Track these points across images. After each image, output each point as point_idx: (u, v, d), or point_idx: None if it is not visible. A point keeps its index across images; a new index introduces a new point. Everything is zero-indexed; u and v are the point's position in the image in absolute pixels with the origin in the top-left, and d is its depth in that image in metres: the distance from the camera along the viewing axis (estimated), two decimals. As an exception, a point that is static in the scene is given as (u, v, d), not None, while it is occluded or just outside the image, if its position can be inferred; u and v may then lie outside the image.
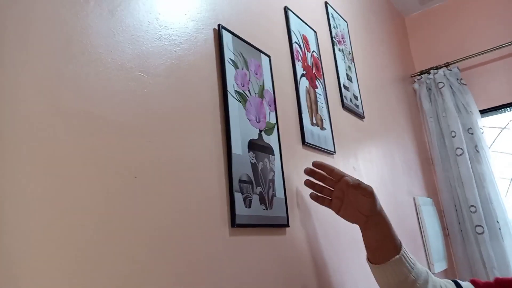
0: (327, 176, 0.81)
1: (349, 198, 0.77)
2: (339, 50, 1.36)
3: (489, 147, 2.12)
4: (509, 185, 2.19)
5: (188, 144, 0.64)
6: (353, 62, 1.46)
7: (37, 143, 0.43)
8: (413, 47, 2.49)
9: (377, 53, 1.86)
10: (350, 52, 1.46)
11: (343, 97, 1.28)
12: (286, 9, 1.08)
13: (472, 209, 2.00)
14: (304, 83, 1.06)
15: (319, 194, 0.82)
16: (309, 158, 1.00)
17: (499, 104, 2.20)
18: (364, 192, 0.75)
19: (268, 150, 0.76)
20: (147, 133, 0.57)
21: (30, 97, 0.44)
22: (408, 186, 1.74)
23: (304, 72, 1.07)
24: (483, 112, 2.21)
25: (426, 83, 2.27)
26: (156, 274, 0.53)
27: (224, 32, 0.76)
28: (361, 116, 1.39)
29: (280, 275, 0.76)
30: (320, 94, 1.13)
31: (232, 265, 0.66)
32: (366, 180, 1.29)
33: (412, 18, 2.52)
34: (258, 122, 0.75)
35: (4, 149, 0.40)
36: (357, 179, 0.77)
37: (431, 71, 2.26)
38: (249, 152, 0.71)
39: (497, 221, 1.98)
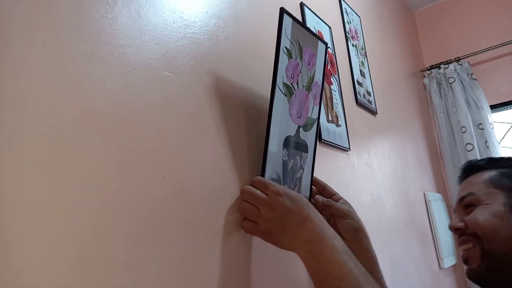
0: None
1: (333, 220, 0.74)
2: (353, 45, 1.35)
3: (499, 143, 2.11)
4: (519, 180, 2.18)
5: (216, 143, 0.65)
6: (366, 57, 1.45)
7: (67, 144, 0.43)
8: (422, 42, 2.47)
9: (388, 48, 1.85)
10: (363, 47, 1.45)
11: (357, 93, 1.28)
12: (302, 5, 1.08)
13: (482, 204, 1.99)
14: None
15: None
16: (326, 155, 1.00)
17: (510, 100, 2.19)
18: (338, 213, 0.73)
19: (302, 147, 0.76)
20: (175, 133, 0.58)
21: (62, 99, 0.44)
22: (419, 182, 1.74)
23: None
24: (493, 107, 2.20)
25: (436, 78, 2.26)
26: (192, 272, 0.53)
27: (285, 17, 0.67)
28: (374, 112, 1.39)
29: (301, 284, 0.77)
30: (335, 91, 1.13)
31: (254, 263, 0.67)
32: (380, 176, 1.29)
33: (421, 13, 2.49)
34: (299, 118, 0.73)
35: (36, 148, 0.40)
36: (330, 200, 0.74)
37: (442, 65, 2.24)
38: (283, 149, 0.70)
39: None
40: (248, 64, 0.79)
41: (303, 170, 0.78)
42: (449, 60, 2.23)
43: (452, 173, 2.12)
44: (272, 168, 0.69)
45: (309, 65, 0.76)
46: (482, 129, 2.09)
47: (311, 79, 0.77)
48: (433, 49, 2.41)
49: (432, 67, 2.29)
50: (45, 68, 0.43)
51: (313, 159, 0.81)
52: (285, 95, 0.69)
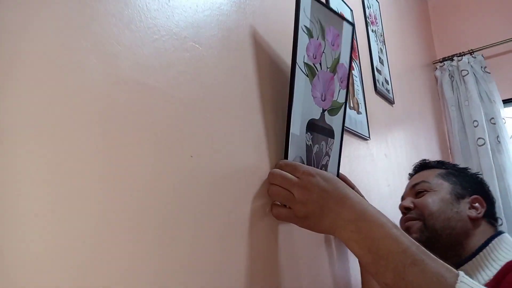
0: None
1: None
2: (372, 31, 1.30)
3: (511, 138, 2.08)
4: (529, 177, 2.15)
5: (242, 122, 0.60)
6: (384, 44, 1.40)
7: (98, 110, 0.39)
8: (435, 33, 2.42)
9: (403, 37, 1.80)
10: (382, 34, 1.40)
11: (376, 81, 1.23)
12: (325, -16, 1.02)
13: (492, 200, 1.96)
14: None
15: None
16: (347, 143, 0.96)
17: (523, 94, 2.15)
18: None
19: (328, 132, 0.71)
20: (203, 108, 0.53)
21: (91, 64, 0.39)
22: (431, 175, 1.70)
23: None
24: (505, 101, 2.16)
25: (449, 70, 2.21)
26: (218, 262, 0.49)
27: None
28: (391, 102, 1.35)
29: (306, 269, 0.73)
30: (356, 76, 1.08)
31: (282, 252, 0.63)
32: (396, 168, 1.25)
33: (434, 3, 2.44)
34: (323, 101, 0.69)
35: (69, 115, 0.36)
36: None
37: (455, 58, 2.20)
38: (306, 132, 0.66)
39: (516, 213, 1.95)
40: (275, 40, 0.74)
41: (329, 157, 0.73)
42: (462, 52, 2.19)
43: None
44: (295, 151, 0.64)
45: (333, 45, 0.72)
46: (494, 123, 2.05)
47: (336, 61, 0.73)
48: (445, 41, 2.36)
49: (444, 59, 2.24)
50: (73, 27, 0.38)
51: (340, 146, 0.76)
52: (307, 76, 0.65)
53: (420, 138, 1.65)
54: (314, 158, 0.69)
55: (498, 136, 2.02)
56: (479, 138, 2.03)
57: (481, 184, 0.96)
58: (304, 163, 0.66)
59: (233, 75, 0.60)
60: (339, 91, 0.74)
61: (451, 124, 2.15)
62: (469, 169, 1.00)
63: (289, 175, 0.58)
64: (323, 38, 0.68)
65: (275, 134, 0.68)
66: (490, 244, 0.83)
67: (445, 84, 2.20)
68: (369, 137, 1.07)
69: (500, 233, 0.87)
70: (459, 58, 2.18)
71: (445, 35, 2.37)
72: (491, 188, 1.97)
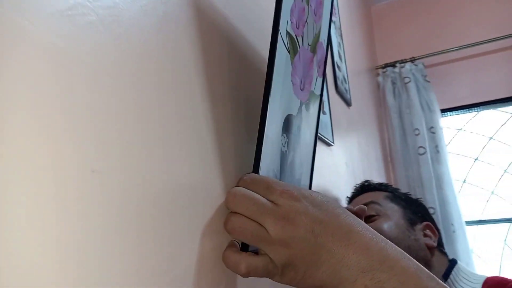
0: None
1: None
2: (333, 22, 1.13)
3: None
4: (461, 187, 2.18)
5: (179, 115, 0.37)
6: (342, 39, 1.25)
7: None
8: (377, 38, 2.37)
9: (351, 38, 1.68)
10: (340, 27, 1.24)
11: (336, 78, 1.06)
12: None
13: (431, 210, 1.93)
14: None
15: None
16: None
17: (459, 105, 2.18)
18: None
19: (303, 134, 0.50)
20: (113, 88, 0.29)
21: None
22: (378, 185, 1.60)
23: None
24: (443, 111, 2.16)
25: (391, 77, 2.16)
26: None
27: None
28: (349, 103, 1.19)
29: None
30: (320, 69, 0.89)
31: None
32: (353, 180, 1.09)
33: (378, 8, 2.39)
34: (302, 90, 0.48)
35: None
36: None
37: (397, 64, 2.16)
38: (282, 134, 0.44)
39: (452, 224, 1.94)
40: (249, 8, 0.51)
41: (303, 168, 0.52)
42: (404, 59, 2.15)
43: (403, 177, 2.04)
44: (268, 162, 0.42)
45: (315, 15, 0.51)
46: (434, 133, 2.03)
47: (317, 37, 0.52)
48: (387, 47, 2.32)
49: (387, 65, 2.19)
50: None
51: (313, 152, 0.56)
52: (288, 52, 0.43)
53: (369, 146, 1.54)
54: (289, 171, 0.47)
55: (437, 146, 2.01)
56: (420, 146, 1.99)
57: (427, 210, 0.89)
58: (278, 178, 0.44)
59: (186, 48, 0.37)
60: (316, 79, 0.53)
61: (393, 132, 2.10)
62: (410, 194, 0.92)
63: (260, 197, 0.36)
64: (307, 1, 0.47)
65: (234, 134, 0.45)
66: (450, 276, 0.77)
67: (387, 90, 2.15)
68: (333, 143, 0.89)
69: (454, 262, 0.81)
70: (402, 65, 2.14)
71: (388, 41, 2.33)
72: (430, 198, 1.96)
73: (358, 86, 1.62)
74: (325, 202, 0.37)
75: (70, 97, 0.24)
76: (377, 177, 1.52)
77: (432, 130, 2.03)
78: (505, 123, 2.13)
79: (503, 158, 2.10)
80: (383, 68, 2.20)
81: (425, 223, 0.81)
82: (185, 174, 0.35)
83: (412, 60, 2.13)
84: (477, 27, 2.10)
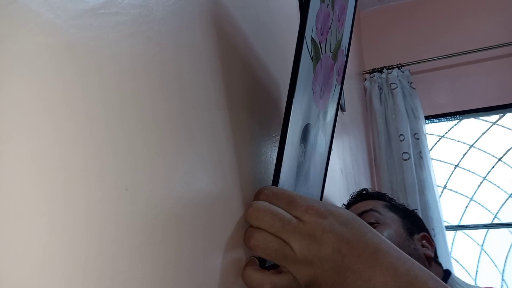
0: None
1: None
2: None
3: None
4: (442, 192, 2.23)
5: (197, 125, 0.35)
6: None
7: None
8: (365, 44, 2.39)
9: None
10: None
11: (333, 83, 1.05)
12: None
13: (413, 215, 1.96)
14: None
15: None
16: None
17: (442, 113, 2.22)
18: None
19: (319, 144, 0.49)
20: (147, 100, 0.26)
21: None
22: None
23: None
24: (426, 118, 2.20)
25: (378, 82, 2.18)
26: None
27: None
28: (343, 108, 1.19)
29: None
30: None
31: None
32: (347, 188, 1.09)
33: (367, 13, 2.41)
34: (321, 98, 0.46)
35: None
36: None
37: (384, 70, 2.18)
38: (300, 144, 0.43)
39: (433, 229, 1.97)
40: (265, 21, 0.50)
41: (315, 179, 0.51)
42: (391, 65, 2.18)
43: (386, 181, 2.07)
44: (286, 173, 0.41)
45: (339, 21, 0.50)
46: (418, 139, 2.06)
47: (339, 44, 0.51)
48: (374, 52, 2.35)
49: (374, 70, 2.21)
50: None
51: (327, 164, 0.55)
52: (312, 59, 0.42)
53: (358, 151, 1.54)
54: (303, 182, 0.46)
55: (420, 152, 2.04)
56: (404, 152, 2.02)
57: (422, 221, 0.89)
58: (294, 188, 0.42)
59: (203, 59, 0.35)
60: (335, 87, 0.52)
61: (378, 137, 2.12)
62: (406, 205, 0.92)
63: (285, 213, 0.34)
64: (332, 6, 0.46)
65: (250, 144, 0.43)
66: None
67: (374, 95, 2.17)
68: (332, 149, 0.88)
69: (448, 273, 0.80)
70: (389, 71, 2.16)
71: (375, 47, 2.35)
72: (412, 203, 1.99)
73: (349, 91, 1.62)
74: (351, 220, 0.35)
75: (93, 102, 0.22)
76: (365, 183, 1.53)
77: (416, 136, 2.06)
78: (485, 132, 2.18)
79: (483, 166, 2.16)
80: (370, 73, 2.22)
81: (422, 233, 0.81)
82: (203, 186, 0.33)
83: (399, 66, 2.16)
84: (462, 37, 2.14)
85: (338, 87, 0.54)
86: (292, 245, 0.33)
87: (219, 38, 0.38)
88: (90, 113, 0.21)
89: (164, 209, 0.26)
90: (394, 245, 0.36)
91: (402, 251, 0.36)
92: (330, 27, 0.45)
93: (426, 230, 0.83)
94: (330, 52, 0.47)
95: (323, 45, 0.43)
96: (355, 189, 1.13)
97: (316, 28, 0.41)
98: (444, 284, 0.34)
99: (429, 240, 0.81)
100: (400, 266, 0.33)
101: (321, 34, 0.42)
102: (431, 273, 0.35)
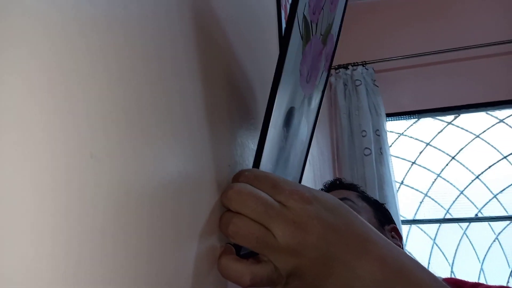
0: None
1: None
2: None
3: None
4: (399, 188, 2.31)
5: (169, 97, 0.32)
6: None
7: None
8: (331, 40, 2.41)
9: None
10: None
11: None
12: None
13: (372, 210, 2.01)
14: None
15: None
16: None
17: (401, 111, 2.29)
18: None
19: (301, 130, 0.47)
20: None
21: None
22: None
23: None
24: (387, 116, 2.27)
25: (343, 78, 2.21)
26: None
27: None
28: (311, 100, 1.19)
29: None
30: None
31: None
32: (313, 180, 1.09)
33: (334, 10, 2.43)
34: (307, 83, 0.44)
35: None
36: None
37: (349, 66, 2.21)
38: (283, 127, 0.40)
39: (389, 223, 2.04)
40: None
41: (294, 168, 0.49)
42: (356, 62, 2.21)
43: (348, 176, 2.10)
44: (267, 156, 0.38)
45: (331, 4, 0.47)
46: (379, 135, 2.12)
47: (329, 28, 0.48)
48: (341, 49, 2.37)
49: (340, 67, 2.24)
50: None
51: (307, 152, 0.53)
52: (301, 38, 0.39)
53: (324, 145, 1.55)
54: (282, 169, 0.44)
55: (381, 148, 2.10)
56: (366, 148, 2.07)
57: (390, 214, 0.88)
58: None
59: (164, 20, 0.31)
60: (322, 73, 0.50)
61: (341, 132, 2.15)
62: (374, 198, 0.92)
63: (269, 197, 0.32)
64: None
65: (228, 123, 0.40)
66: None
67: (339, 91, 2.20)
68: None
69: None
70: (354, 67, 2.20)
71: (342, 43, 2.37)
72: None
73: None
74: (338, 206, 0.33)
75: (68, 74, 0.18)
76: (329, 176, 1.55)
77: (378, 133, 2.12)
78: (441, 131, 2.28)
79: (437, 163, 2.25)
80: (336, 69, 2.24)
81: (392, 225, 0.82)
82: (174, 167, 0.30)
83: (364, 64, 2.20)
84: (424, 39, 2.22)
85: (325, 74, 0.52)
86: (274, 232, 0.30)
87: (196, 7, 0.35)
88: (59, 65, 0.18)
89: (136, 187, 0.23)
90: (380, 233, 0.35)
91: (387, 239, 0.35)
92: (322, 8, 0.43)
93: (394, 223, 0.85)
94: (321, 35, 0.44)
95: (314, 25, 0.41)
96: (321, 181, 1.13)
97: (309, 6, 0.38)
98: (431, 272, 0.34)
99: (398, 232, 0.82)
100: (388, 255, 0.32)
101: (313, 14, 0.40)
102: (418, 262, 0.34)
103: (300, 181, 0.51)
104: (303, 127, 0.46)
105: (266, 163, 0.38)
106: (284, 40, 0.35)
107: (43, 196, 0.16)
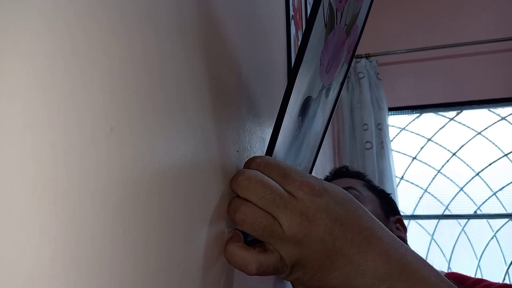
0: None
1: None
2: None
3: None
4: (399, 182, 2.30)
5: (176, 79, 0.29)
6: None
7: None
8: (335, 31, 2.38)
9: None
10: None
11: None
12: None
13: (372, 204, 2.01)
14: (293, 30, 0.76)
15: None
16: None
17: (404, 106, 2.27)
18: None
19: (316, 121, 0.45)
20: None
21: None
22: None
23: (293, 14, 0.77)
24: (390, 110, 2.25)
25: (346, 70, 2.19)
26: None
27: None
28: (316, 91, 1.16)
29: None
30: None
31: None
32: (317, 167, 1.07)
33: (339, 1, 2.40)
34: (327, 73, 0.42)
35: None
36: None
37: (353, 59, 2.18)
38: (298, 116, 0.38)
39: (388, 217, 2.04)
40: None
41: (305, 160, 0.47)
42: (360, 55, 2.19)
43: (348, 169, 2.09)
44: (280, 145, 0.36)
45: None
46: (380, 129, 2.10)
47: (355, 18, 0.46)
48: (344, 41, 2.34)
49: (343, 59, 2.21)
50: None
51: (320, 144, 0.51)
52: (325, 26, 0.37)
53: (325, 137, 1.53)
54: (293, 159, 0.42)
55: (382, 142, 2.08)
56: (367, 141, 2.05)
57: (396, 205, 0.87)
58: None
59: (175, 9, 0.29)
60: (343, 64, 0.48)
61: (343, 125, 2.13)
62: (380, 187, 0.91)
63: (278, 186, 0.30)
64: None
65: (236, 109, 0.38)
66: None
67: (341, 83, 2.17)
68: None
69: None
70: (357, 60, 2.17)
71: (346, 35, 2.35)
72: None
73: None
74: (347, 201, 0.32)
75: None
76: (330, 168, 1.53)
77: (379, 127, 2.10)
78: (443, 127, 2.26)
79: (438, 159, 2.24)
80: (339, 61, 2.21)
81: (397, 216, 0.81)
82: (184, 152, 0.28)
83: (367, 56, 2.18)
84: (428, 33, 2.19)
85: (346, 66, 0.49)
86: (281, 222, 0.29)
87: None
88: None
89: (152, 166, 0.21)
90: (387, 229, 0.34)
91: (395, 236, 0.33)
92: None
93: (399, 214, 0.83)
94: (345, 24, 0.42)
95: (339, 14, 0.39)
96: (322, 173, 1.12)
97: None
98: (436, 270, 0.32)
99: (403, 224, 0.81)
100: (393, 252, 0.31)
101: (339, 2, 0.38)
102: (424, 259, 0.33)
103: (310, 172, 0.49)
104: (318, 118, 0.44)
105: (278, 151, 0.36)
106: (307, 25, 0.33)
107: (57, 174, 0.14)
